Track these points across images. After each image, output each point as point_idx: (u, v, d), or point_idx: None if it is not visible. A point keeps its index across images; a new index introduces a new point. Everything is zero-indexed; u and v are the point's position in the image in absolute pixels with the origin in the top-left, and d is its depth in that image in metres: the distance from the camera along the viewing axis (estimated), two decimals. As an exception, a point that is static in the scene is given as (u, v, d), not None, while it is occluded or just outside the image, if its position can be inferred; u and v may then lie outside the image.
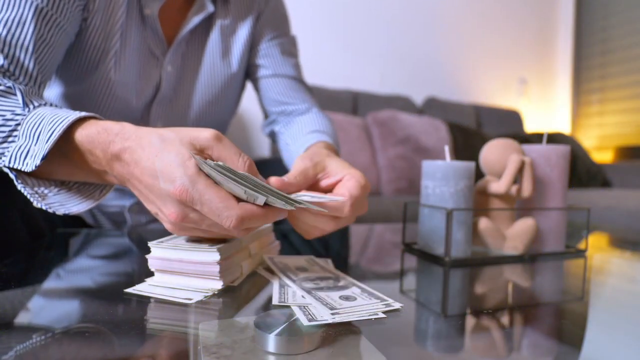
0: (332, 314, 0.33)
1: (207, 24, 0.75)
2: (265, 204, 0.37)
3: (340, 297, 0.37)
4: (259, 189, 0.36)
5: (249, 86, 0.89)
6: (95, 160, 0.43)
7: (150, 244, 0.41)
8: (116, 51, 0.66)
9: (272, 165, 0.94)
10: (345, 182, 0.45)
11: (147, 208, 0.41)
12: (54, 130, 0.42)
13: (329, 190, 0.47)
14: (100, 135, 0.41)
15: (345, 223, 0.46)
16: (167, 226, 0.39)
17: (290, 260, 0.50)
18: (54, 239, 0.65)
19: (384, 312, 0.35)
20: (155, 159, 0.37)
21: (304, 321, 0.31)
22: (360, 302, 0.36)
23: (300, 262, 0.49)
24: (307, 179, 0.46)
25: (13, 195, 0.56)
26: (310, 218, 0.43)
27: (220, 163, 0.36)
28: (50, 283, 0.44)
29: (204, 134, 0.38)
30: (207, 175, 0.36)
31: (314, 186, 0.48)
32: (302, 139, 0.74)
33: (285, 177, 0.44)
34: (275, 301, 0.37)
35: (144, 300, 0.37)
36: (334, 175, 0.47)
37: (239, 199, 0.37)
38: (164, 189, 0.36)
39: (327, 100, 2.14)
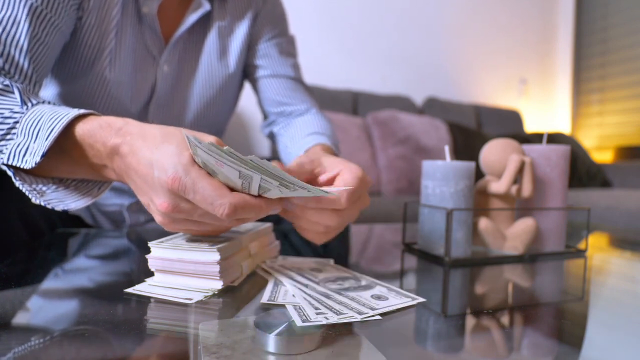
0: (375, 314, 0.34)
1: (204, 25, 0.75)
2: (260, 195, 0.37)
3: (372, 297, 0.38)
4: (254, 169, 0.34)
5: (247, 86, 0.89)
6: (96, 154, 0.43)
7: (150, 243, 0.41)
8: (111, 50, 0.66)
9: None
10: (342, 175, 0.45)
11: (140, 200, 0.41)
12: (54, 127, 0.42)
13: (328, 184, 0.47)
14: (102, 129, 0.42)
15: (348, 218, 0.45)
16: (157, 218, 0.39)
17: (297, 264, 0.50)
18: (53, 239, 0.65)
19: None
20: (155, 149, 0.37)
21: (298, 323, 0.31)
22: (394, 302, 0.37)
23: (310, 264, 0.49)
24: (302, 170, 0.46)
25: (11, 194, 0.55)
26: (313, 214, 0.43)
27: (215, 144, 0.34)
28: (49, 283, 0.44)
29: (207, 138, 0.38)
30: (201, 167, 0.36)
31: (312, 182, 0.48)
32: (300, 141, 0.74)
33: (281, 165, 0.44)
34: (264, 299, 0.37)
35: (143, 300, 0.37)
36: (331, 170, 0.47)
37: (232, 190, 0.36)
38: (157, 179, 0.36)
39: (327, 100, 2.14)
